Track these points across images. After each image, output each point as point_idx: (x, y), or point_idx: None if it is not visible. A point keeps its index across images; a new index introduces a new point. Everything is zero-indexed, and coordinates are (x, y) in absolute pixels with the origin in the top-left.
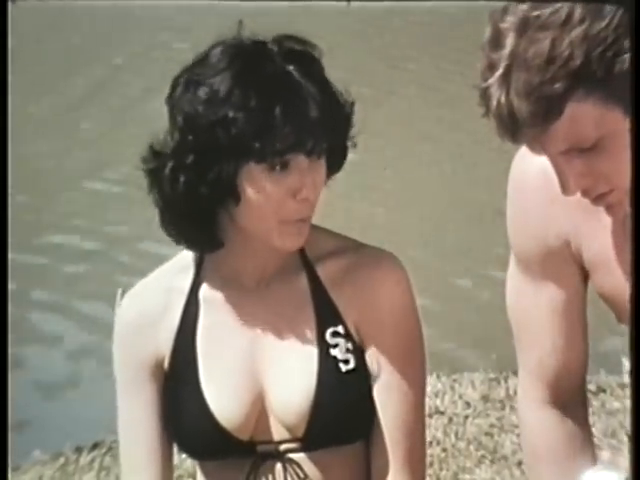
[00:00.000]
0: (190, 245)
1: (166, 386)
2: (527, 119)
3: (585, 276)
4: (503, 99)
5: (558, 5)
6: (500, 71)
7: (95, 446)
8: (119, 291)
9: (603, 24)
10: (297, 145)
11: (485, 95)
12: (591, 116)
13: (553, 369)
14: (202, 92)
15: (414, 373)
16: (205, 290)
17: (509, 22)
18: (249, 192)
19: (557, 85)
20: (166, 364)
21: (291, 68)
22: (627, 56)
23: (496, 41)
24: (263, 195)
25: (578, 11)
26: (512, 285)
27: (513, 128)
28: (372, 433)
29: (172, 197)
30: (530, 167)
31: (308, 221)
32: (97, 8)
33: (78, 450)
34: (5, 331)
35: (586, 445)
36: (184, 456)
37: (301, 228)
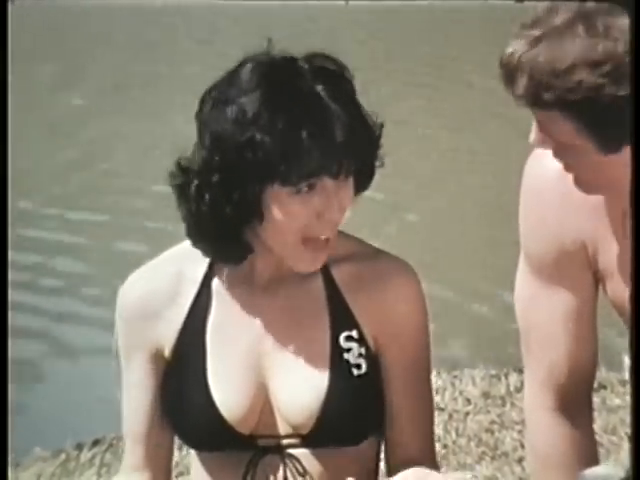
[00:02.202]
0: (217, 258)
1: (169, 373)
2: None
3: (597, 281)
4: None
5: None
6: None
7: (96, 443)
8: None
9: None
10: (322, 168)
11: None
12: None
13: (564, 375)
14: (230, 111)
15: (426, 379)
16: (218, 282)
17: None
18: (274, 212)
19: None
20: (168, 351)
21: (320, 88)
22: None
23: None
24: (288, 216)
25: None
26: (522, 290)
27: None
28: (387, 432)
29: (198, 214)
30: (546, 172)
31: (329, 242)
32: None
33: (79, 447)
34: (5, 330)
35: (592, 450)
36: (185, 453)
37: (322, 248)
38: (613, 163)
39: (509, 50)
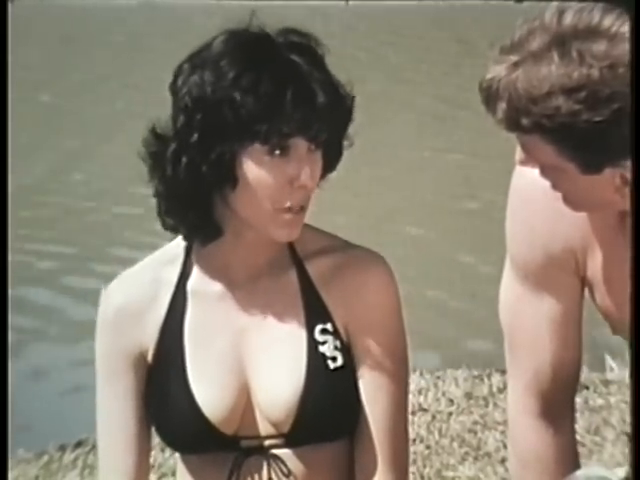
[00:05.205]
0: (190, 233)
1: (150, 377)
2: None
3: (583, 287)
4: None
5: None
6: None
7: (78, 444)
8: (102, 290)
9: None
10: (303, 129)
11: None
12: None
13: (548, 380)
14: (209, 75)
15: (400, 373)
16: (193, 282)
17: None
18: (248, 175)
19: None
20: (150, 355)
21: (296, 58)
22: None
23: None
24: (261, 179)
25: None
26: (508, 295)
27: None
28: (357, 431)
29: (173, 180)
30: (535, 178)
31: (303, 212)
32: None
33: (62, 448)
34: (5, 326)
35: (573, 454)
36: (167, 455)
37: (295, 218)
38: (596, 183)
39: (489, 76)
